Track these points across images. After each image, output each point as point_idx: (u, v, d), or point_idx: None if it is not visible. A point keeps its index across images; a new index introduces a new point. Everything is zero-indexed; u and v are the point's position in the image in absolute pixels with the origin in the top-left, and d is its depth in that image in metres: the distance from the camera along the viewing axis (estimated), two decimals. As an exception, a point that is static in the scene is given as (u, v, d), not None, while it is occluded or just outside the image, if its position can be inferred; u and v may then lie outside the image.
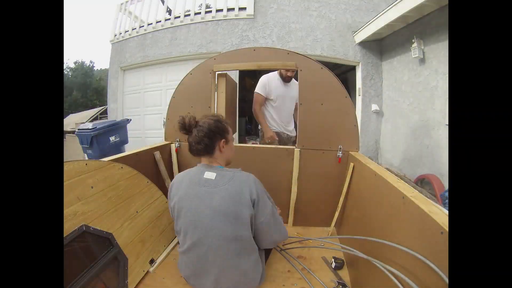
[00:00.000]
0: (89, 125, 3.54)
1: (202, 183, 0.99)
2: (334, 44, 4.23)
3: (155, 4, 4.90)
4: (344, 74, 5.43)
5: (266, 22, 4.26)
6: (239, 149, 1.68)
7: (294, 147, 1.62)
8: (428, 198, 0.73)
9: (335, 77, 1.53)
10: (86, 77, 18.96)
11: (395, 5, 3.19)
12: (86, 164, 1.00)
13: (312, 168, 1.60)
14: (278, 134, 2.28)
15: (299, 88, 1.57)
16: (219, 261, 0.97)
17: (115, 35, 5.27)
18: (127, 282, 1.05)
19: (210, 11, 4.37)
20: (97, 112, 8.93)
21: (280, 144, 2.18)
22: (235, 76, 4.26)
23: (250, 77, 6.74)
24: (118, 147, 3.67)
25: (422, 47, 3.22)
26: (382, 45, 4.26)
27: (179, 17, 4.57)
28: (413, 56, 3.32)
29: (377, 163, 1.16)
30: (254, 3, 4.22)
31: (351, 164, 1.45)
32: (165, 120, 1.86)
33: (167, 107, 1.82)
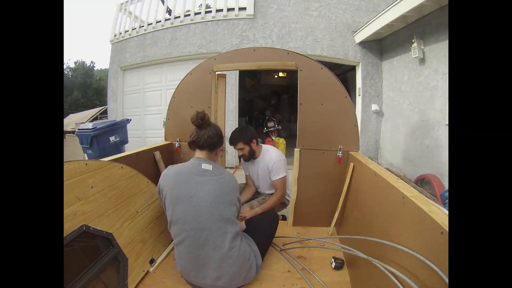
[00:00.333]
0: (89, 125, 3.54)
1: (201, 173, 1.09)
2: (334, 44, 4.23)
3: (155, 4, 4.90)
4: (344, 74, 5.43)
5: (266, 22, 4.26)
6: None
7: (294, 147, 1.62)
8: (428, 198, 0.73)
9: (335, 77, 1.53)
10: (86, 77, 18.96)
11: (395, 5, 3.19)
12: (86, 164, 1.00)
13: (312, 168, 1.61)
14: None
15: (299, 88, 1.56)
16: (219, 243, 1.02)
17: (115, 35, 5.27)
18: (127, 282, 1.05)
19: (210, 11, 4.37)
20: (97, 112, 8.93)
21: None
22: (235, 76, 4.26)
23: (250, 77, 6.74)
24: (118, 147, 3.67)
25: (422, 47, 3.22)
26: (382, 45, 4.26)
27: (179, 17, 4.57)
28: (413, 56, 3.32)
29: (377, 163, 1.16)
30: (254, 3, 4.22)
31: (351, 164, 1.45)
32: (165, 120, 1.86)
33: (167, 107, 1.82)
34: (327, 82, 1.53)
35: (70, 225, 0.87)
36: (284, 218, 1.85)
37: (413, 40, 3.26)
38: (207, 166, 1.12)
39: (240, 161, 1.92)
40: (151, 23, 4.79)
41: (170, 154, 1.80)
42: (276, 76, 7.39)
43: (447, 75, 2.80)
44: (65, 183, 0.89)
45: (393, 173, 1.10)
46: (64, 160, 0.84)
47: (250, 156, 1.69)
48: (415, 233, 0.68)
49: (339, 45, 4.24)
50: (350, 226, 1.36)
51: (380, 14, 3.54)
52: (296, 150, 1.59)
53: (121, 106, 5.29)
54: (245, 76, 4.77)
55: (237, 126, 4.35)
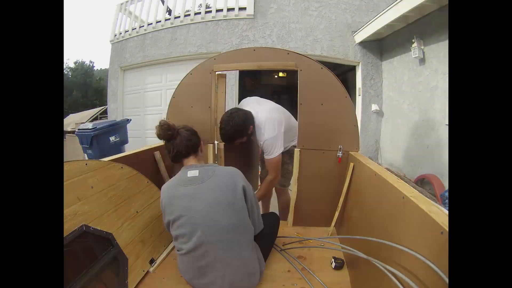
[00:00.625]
0: (89, 125, 3.54)
1: (188, 182, 1.02)
2: (334, 44, 4.23)
3: (155, 4, 4.90)
4: (344, 74, 5.43)
5: (266, 22, 4.26)
6: (240, 149, 1.68)
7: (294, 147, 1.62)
8: (428, 198, 0.73)
9: (335, 77, 1.53)
10: (86, 77, 18.97)
11: (395, 5, 3.19)
12: (86, 164, 1.00)
13: (312, 168, 1.60)
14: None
15: (299, 88, 1.56)
16: (221, 253, 0.97)
17: (115, 35, 5.27)
18: (127, 282, 1.05)
19: (210, 11, 4.37)
20: (97, 112, 8.94)
21: None
22: (235, 76, 4.26)
23: (250, 77, 6.74)
24: (118, 147, 3.67)
25: (422, 47, 3.22)
26: (382, 45, 4.26)
27: (179, 17, 4.57)
28: (413, 56, 3.32)
29: (377, 163, 1.16)
30: (254, 3, 4.22)
31: (351, 164, 1.45)
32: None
33: (167, 107, 1.82)
34: (327, 82, 1.53)
35: (70, 225, 0.87)
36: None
37: (413, 40, 3.26)
38: (192, 173, 1.03)
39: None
40: (151, 23, 4.79)
41: (170, 154, 1.80)
42: (276, 76, 7.39)
43: (447, 75, 2.80)
44: (65, 183, 0.89)
45: (393, 173, 1.10)
46: (64, 160, 0.84)
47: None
48: (415, 233, 0.68)
49: (339, 45, 4.24)
50: (350, 226, 1.36)
51: (380, 14, 3.54)
52: (296, 150, 1.59)
53: (121, 106, 5.29)
54: (245, 76, 4.77)
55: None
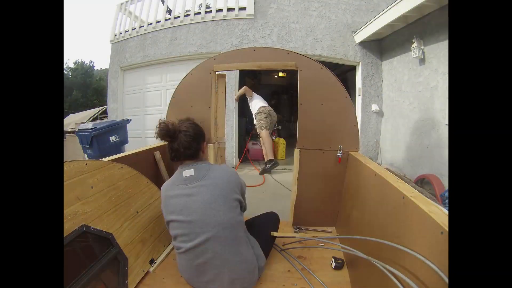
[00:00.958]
0: (89, 125, 3.54)
1: (184, 182, 1.02)
2: (334, 44, 4.23)
3: (155, 4, 4.90)
4: (344, 74, 5.42)
5: (266, 22, 4.26)
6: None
7: (294, 147, 1.62)
8: (428, 198, 0.73)
9: (335, 77, 1.53)
10: (86, 77, 18.97)
11: (395, 5, 3.19)
12: (86, 164, 1.00)
13: (312, 168, 1.60)
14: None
15: (299, 88, 1.56)
16: (219, 250, 0.97)
17: (115, 35, 5.27)
18: (127, 282, 1.05)
19: (210, 11, 4.37)
20: (97, 112, 8.93)
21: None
22: (235, 76, 4.26)
23: (250, 77, 6.74)
24: (118, 147, 3.67)
25: (422, 47, 3.22)
26: (382, 45, 4.26)
27: (179, 17, 4.57)
28: (413, 56, 3.32)
29: (377, 163, 1.16)
30: (254, 3, 4.22)
31: (351, 164, 1.45)
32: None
33: (167, 107, 1.82)
34: (327, 82, 1.53)
35: (70, 225, 0.87)
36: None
37: (413, 40, 3.25)
38: (188, 172, 1.03)
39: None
40: (151, 23, 4.79)
41: (170, 154, 1.80)
42: (276, 76, 7.39)
43: (447, 75, 2.80)
44: (65, 183, 0.89)
45: (393, 173, 1.10)
46: (64, 160, 0.84)
47: None
48: (415, 233, 0.68)
49: (339, 45, 4.24)
50: (350, 226, 1.36)
51: (380, 14, 3.53)
52: (296, 150, 1.59)
53: (121, 106, 5.29)
54: (245, 76, 4.76)
55: (237, 126, 4.36)
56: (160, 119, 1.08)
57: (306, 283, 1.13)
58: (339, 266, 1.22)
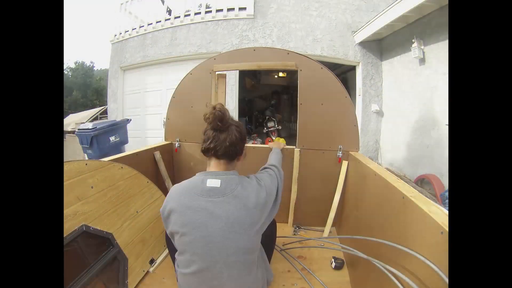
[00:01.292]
0: (89, 125, 3.54)
1: (206, 193, 0.85)
2: (334, 44, 4.23)
3: (155, 4, 4.90)
4: (344, 74, 5.43)
5: (266, 22, 4.26)
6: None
7: (294, 147, 1.62)
8: (428, 198, 0.73)
9: (335, 77, 1.53)
10: (86, 77, 18.98)
11: (395, 5, 3.19)
12: (86, 164, 1.00)
13: (312, 168, 1.60)
14: None
15: (299, 88, 1.56)
16: (236, 274, 0.85)
17: (115, 35, 5.27)
18: (127, 282, 1.05)
19: (210, 11, 4.37)
20: (97, 112, 8.92)
21: None
22: (235, 76, 4.26)
23: (250, 77, 6.74)
24: (118, 147, 3.68)
25: (422, 47, 3.22)
26: (382, 45, 4.26)
27: (179, 17, 4.57)
28: (413, 56, 3.32)
29: (377, 163, 1.16)
30: (254, 3, 4.22)
31: (351, 164, 1.45)
32: (165, 120, 1.86)
33: (167, 107, 1.82)
34: (327, 82, 1.53)
35: (70, 225, 0.87)
36: None
37: (413, 40, 3.26)
38: (213, 183, 0.86)
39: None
40: (151, 23, 4.79)
41: (170, 154, 1.80)
42: (276, 76, 7.39)
43: (447, 75, 2.80)
44: (65, 183, 0.89)
45: (393, 173, 1.10)
46: (64, 160, 0.84)
47: None
48: (415, 233, 0.68)
49: (339, 45, 4.24)
50: (350, 226, 1.36)
51: (380, 14, 3.54)
52: (296, 150, 1.59)
53: (121, 106, 5.29)
54: (245, 76, 4.76)
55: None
56: (218, 104, 0.91)
57: (306, 283, 1.13)
58: (339, 266, 1.22)
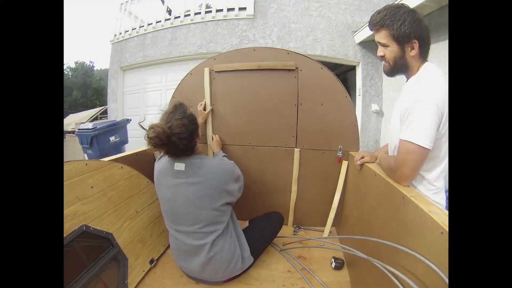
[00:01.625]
0: (89, 125, 3.54)
1: (174, 174, 1.04)
2: (334, 44, 4.23)
3: (155, 4, 4.90)
4: (344, 74, 5.43)
5: (266, 22, 4.26)
6: (239, 149, 1.68)
7: (294, 147, 1.62)
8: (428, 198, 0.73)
9: (335, 77, 1.53)
10: (86, 77, 18.99)
11: (395, 5, 3.19)
12: (86, 164, 1.00)
13: (312, 168, 1.60)
14: None
15: (299, 88, 1.56)
16: (197, 243, 1.03)
17: (115, 35, 5.27)
18: (127, 282, 1.05)
19: (210, 11, 4.37)
20: (97, 112, 8.93)
21: None
22: (235, 76, 4.25)
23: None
24: (118, 147, 3.68)
25: (422, 47, 3.22)
26: (382, 45, 4.26)
27: (179, 17, 4.57)
28: (413, 56, 3.32)
29: (377, 163, 1.16)
30: (254, 3, 4.22)
31: (351, 164, 1.45)
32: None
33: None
34: (327, 82, 1.53)
35: (70, 225, 0.87)
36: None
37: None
38: (179, 166, 1.03)
39: None
40: (151, 23, 4.79)
41: (170, 154, 1.80)
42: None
43: (447, 75, 2.80)
44: (65, 183, 0.89)
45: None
46: (64, 160, 0.84)
47: (394, 70, 0.97)
48: (415, 233, 0.68)
49: (339, 45, 4.24)
50: (350, 226, 1.36)
51: (380, 14, 3.53)
52: (296, 150, 1.59)
53: (121, 106, 5.29)
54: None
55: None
56: (150, 125, 0.95)
57: (306, 283, 1.13)
58: (339, 266, 1.22)
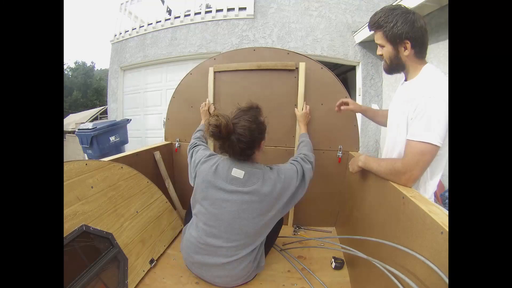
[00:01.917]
0: (89, 125, 3.55)
1: (230, 180, 0.95)
2: (334, 44, 4.23)
3: (155, 4, 4.90)
4: (344, 74, 5.43)
5: (266, 22, 4.26)
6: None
7: (294, 147, 1.62)
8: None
9: (335, 77, 1.53)
10: (87, 77, 19.00)
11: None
12: (86, 164, 1.00)
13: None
14: None
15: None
16: (230, 253, 0.98)
17: (115, 35, 5.27)
18: (127, 282, 1.05)
19: (210, 11, 4.37)
20: (97, 112, 8.94)
21: None
22: (235, 76, 4.26)
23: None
24: (118, 147, 3.68)
25: (422, 47, 3.22)
26: (382, 45, 4.26)
27: (179, 17, 4.57)
28: (413, 56, 3.32)
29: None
30: (254, 3, 4.22)
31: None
32: (165, 120, 1.86)
33: (167, 107, 1.82)
34: (327, 82, 1.53)
35: (70, 225, 0.87)
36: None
37: (413, 40, 3.25)
38: (237, 173, 0.95)
39: None
40: (151, 23, 4.80)
41: (170, 154, 1.80)
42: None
43: (447, 75, 2.79)
44: (65, 183, 0.89)
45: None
46: (64, 160, 0.84)
47: (391, 68, 0.99)
48: (415, 233, 0.68)
49: (339, 45, 4.24)
50: (350, 226, 1.36)
51: (380, 14, 3.53)
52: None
53: (121, 106, 5.29)
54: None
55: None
56: (216, 112, 0.90)
57: (306, 283, 1.13)
58: (339, 266, 1.22)
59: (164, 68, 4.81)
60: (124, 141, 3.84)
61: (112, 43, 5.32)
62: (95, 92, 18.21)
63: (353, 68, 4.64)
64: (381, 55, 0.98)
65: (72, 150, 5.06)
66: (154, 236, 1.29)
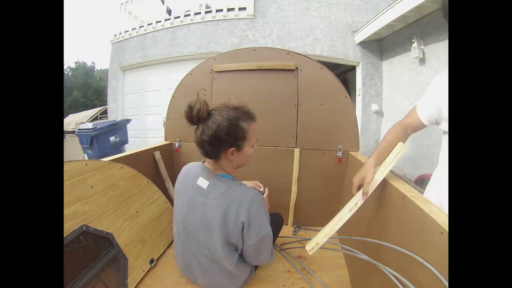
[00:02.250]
0: (89, 125, 3.55)
1: (195, 189, 0.91)
2: (334, 44, 4.23)
3: (155, 4, 4.90)
4: (344, 74, 5.43)
5: (266, 22, 4.26)
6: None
7: (293, 147, 1.62)
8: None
9: (335, 77, 1.53)
10: (87, 77, 19.01)
11: (395, 5, 3.19)
12: (86, 164, 1.00)
13: (312, 168, 1.60)
14: None
15: (298, 88, 1.56)
16: (205, 267, 0.98)
17: (115, 35, 5.28)
18: (127, 282, 1.05)
19: (210, 11, 4.38)
20: (97, 112, 8.93)
21: None
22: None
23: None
24: (118, 147, 3.68)
25: (422, 47, 3.22)
26: (382, 45, 4.26)
27: (179, 17, 4.57)
28: (413, 56, 3.32)
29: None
30: (254, 3, 4.22)
31: (351, 164, 1.45)
32: (165, 120, 1.86)
33: (167, 107, 1.82)
34: (327, 82, 1.53)
35: (70, 225, 0.87)
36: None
37: (413, 40, 3.26)
38: (202, 183, 0.88)
39: None
40: (151, 23, 4.80)
41: (170, 154, 1.80)
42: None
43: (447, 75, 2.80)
44: (65, 183, 0.89)
45: (393, 173, 1.09)
46: (64, 160, 0.84)
47: None
48: (415, 233, 0.68)
49: (339, 45, 4.24)
50: (350, 226, 1.36)
51: (380, 14, 3.54)
52: (296, 150, 1.59)
53: (121, 106, 5.29)
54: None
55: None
56: (199, 98, 0.82)
57: (306, 283, 1.13)
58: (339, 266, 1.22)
59: (164, 68, 4.81)
60: (124, 141, 3.85)
61: (112, 43, 5.32)
62: (95, 92, 18.22)
63: (353, 68, 4.64)
64: None
65: (72, 150, 5.06)
66: (154, 236, 1.29)
